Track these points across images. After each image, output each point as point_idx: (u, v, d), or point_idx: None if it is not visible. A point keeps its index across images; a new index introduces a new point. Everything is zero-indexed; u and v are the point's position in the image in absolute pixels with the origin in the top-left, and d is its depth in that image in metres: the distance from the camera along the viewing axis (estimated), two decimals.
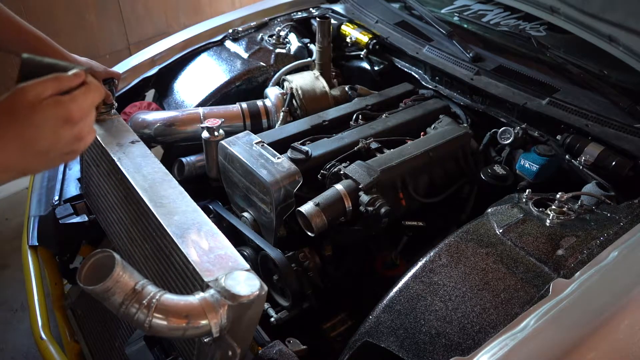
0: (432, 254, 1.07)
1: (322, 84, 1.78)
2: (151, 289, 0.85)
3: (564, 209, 1.13)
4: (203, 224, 1.06)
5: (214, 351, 0.95)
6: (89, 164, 1.45)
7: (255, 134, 1.47)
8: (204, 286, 0.91)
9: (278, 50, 2.00)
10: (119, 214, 1.30)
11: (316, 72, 1.82)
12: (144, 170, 1.22)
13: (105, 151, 1.31)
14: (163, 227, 1.04)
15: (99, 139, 1.34)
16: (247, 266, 0.95)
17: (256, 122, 1.73)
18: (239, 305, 0.87)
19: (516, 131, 1.46)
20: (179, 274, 1.03)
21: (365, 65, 1.97)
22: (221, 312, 0.86)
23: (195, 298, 0.87)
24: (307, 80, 1.78)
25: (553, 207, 1.14)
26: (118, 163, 1.25)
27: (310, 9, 2.21)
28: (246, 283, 0.89)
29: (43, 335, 1.36)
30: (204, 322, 0.85)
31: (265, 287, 0.90)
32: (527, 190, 1.22)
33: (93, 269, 0.82)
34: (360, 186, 1.28)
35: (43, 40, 1.27)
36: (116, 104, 1.46)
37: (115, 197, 1.30)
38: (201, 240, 1.01)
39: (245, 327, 0.93)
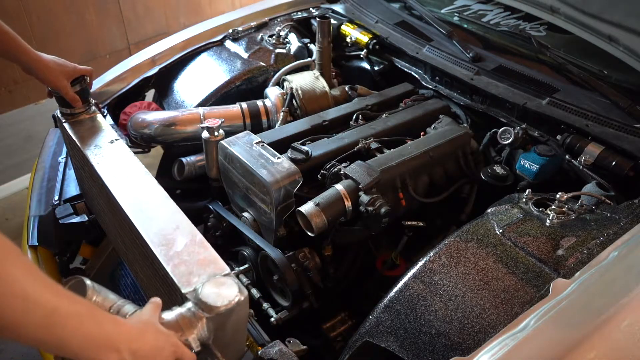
0: (432, 254, 1.07)
1: (322, 84, 1.78)
2: (128, 309, 0.85)
3: (564, 209, 1.13)
4: (182, 227, 1.04)
5: None
6: (77, 167, 1.42)
7: (255, 134, 1.47)
8: (183, 297, 0.90)
9: (278, 50, 2.00)
10: (110, 217, 1.28)
11: (316, 72, 1.82)
12: (122, 174, 1.19)
13: (84, 156, 1.27)
14: (141, 236, 1.03)
15: (77, 143, 1.30)
16: (227, 269, 0.94)
17: (256, 122, 1.73)
18: (217, 316, 0.86)
19: (516, 131, 1.46)
20: (163, 280, 1.02)
21: (365, 65, 1.97)
22: (199, 325, 0.85)
23: (172, 314, 0.86)
24: (307, 80, 1.78)
25: (553, 207, 1.14)
26: (96, 168, 1.21)
27: (310, 9, 2.21)
28: (224, 291, 0.88)
29: None
30: (182, 338, 0.84)
31: (246, 292, 0.89)
32: (527, 190, 1.22)
33: None
34: (360, 186, 1.28)
35: (9, 35, 1.23)
36: (93, 101, 1.41)
37: (103, 200, 1.28)
38: (180, 246, 0.99)
39: (231, 333, 0.92)
